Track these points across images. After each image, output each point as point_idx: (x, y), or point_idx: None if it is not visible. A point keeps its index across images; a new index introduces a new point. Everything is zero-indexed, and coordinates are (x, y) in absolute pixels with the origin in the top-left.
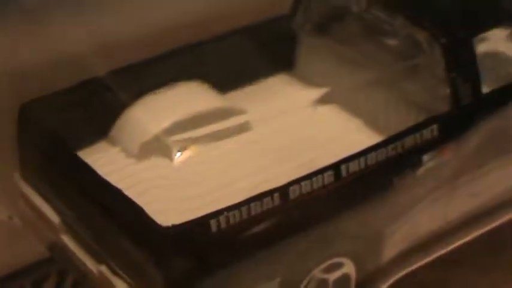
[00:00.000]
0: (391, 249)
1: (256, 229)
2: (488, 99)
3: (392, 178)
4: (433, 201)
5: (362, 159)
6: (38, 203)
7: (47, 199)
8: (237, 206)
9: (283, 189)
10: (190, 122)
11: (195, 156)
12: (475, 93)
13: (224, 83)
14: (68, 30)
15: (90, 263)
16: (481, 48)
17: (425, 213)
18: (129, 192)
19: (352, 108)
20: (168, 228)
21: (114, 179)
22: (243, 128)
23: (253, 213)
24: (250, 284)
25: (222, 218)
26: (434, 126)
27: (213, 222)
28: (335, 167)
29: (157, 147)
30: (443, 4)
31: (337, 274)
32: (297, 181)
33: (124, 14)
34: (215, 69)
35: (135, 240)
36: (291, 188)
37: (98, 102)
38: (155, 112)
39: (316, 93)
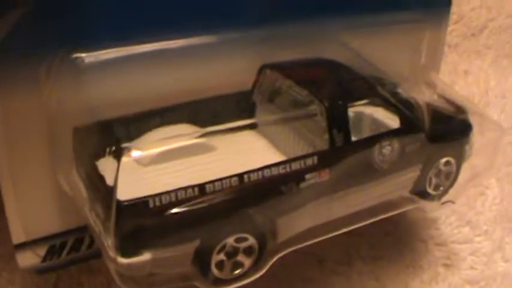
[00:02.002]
0: (284, 234)
1: (182, 209)
2: (355, 144)
3: (282, 187)
4: (317, 205)
5: (261, 172)
6: (80, 186)
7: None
8: (168, 192)
9: (201, 185)
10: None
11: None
12: (346, 140)
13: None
14: None
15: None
16: (354, 110)
17: (312, 213)
18: (121, 182)
19: (276, 142)
20: (122, 201)
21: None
22: (206, 150)
23: (179, 198)
24: (175, 242)
25: (156, 198)
26: (315, 157)
27: (151, 201)
28: (240, 175)
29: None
30: (330, 84)
31: (245, 245)
32: (212, 181)
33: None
34: (206, 121)
35: (107, 208)
36: (207, 185)
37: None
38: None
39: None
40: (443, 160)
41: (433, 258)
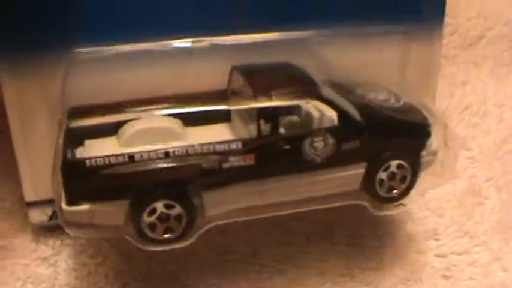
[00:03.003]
0: (212, 208)
1: (112, 171)
2: (282, 135)
3: (204, 164)
4: (248, 187)
5: (186, 149)
6: None
7: None
8: (102, 156)
9: (131, 154)
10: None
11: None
12: (273, 130)
13: (189, 122)
14: None
15: None
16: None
17: (243, 193)
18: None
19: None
20: (67, 159)
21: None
22: (176, 137)
23: (111, 162)
24: (108, 198)
25: (92, 160)
26: (239, 143)
27: (87, 161)
28: (166, 150)
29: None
30: (272, 83)
31: (174, 212)
32: (141, 152)
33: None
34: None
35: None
36: (136, 154)
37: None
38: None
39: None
40: (395, 163)
41: (433, 270)
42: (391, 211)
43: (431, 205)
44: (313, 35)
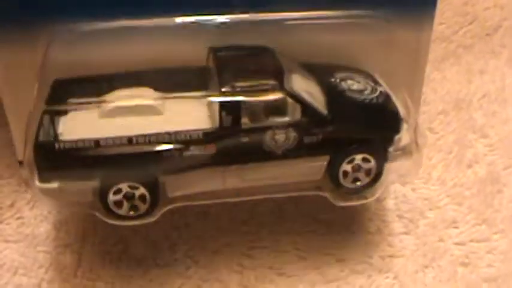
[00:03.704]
0: (174, 190)
1: (80, 154)
2: (242, 127)
3: (165, 153)
4: (210, 173)
5: (148, 137)
6: None
7: None
8: (70, 140)
9: (96, 140)
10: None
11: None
12: (234, 122)
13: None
14: None
15: None
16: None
17: (205, 179)
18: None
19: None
20: (38, 141)
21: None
22: (154, 112)
23: (78, 146)
24: (75, 179)
25: (61, 143)
26: (200, 133)
27: (56, 144)
28: (129, 137)
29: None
30: (239, 70)
31: (138, 192)
32: (106, 138)
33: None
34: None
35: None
36: (101, 140)
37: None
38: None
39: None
40: (360, 156)
41: (452, 257)
42: (353, 202)
43: (450, 193)
44: (298, 16)
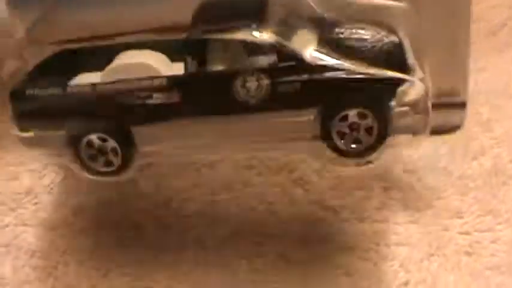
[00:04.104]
0: (144, 143)
1: (48, 100)
2: (209, 73)
3: (128, 100)
4: (177, 124)
5: (111, 85)
6: None
7: None
8: (41, 87)
9: (64, 86)
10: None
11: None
12: (200, 67)
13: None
14: None
15: None
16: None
17: (172, 131)
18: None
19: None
20: (12, 88)
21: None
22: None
23: (49, 93)
24: (46, 128)
25: (31, 90)
26: (164, 79)
27: (27, 91)
28: (93, 84)
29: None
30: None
31: (109, 145)
32: (73, 86)
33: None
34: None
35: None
36: (69, 87)
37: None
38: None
39: None
40: (354, 111)
41: (457, 246)
42: (356, 166)
43: (456, 184)
44: None
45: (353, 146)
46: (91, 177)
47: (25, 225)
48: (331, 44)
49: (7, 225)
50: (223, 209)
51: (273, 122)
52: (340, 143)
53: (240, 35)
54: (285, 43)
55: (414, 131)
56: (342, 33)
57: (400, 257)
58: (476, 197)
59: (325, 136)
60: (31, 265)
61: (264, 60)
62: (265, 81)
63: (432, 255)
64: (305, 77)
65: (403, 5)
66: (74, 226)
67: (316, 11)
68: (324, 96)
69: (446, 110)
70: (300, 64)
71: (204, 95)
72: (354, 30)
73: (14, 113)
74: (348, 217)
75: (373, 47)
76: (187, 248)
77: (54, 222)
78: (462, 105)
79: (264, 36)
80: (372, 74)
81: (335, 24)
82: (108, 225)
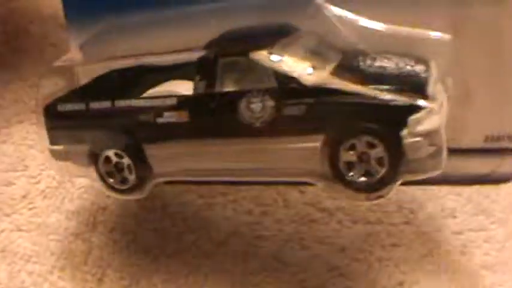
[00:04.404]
0: (157, 165)
1: (73, 117)
2: (216, 93)
3: (141, 117)
4: (186, 144)
5: (128, 101)
6: None
7: None
8: (71, 103)
9: (87, 102)
10: None
11: None
12: (208, 88)
13: None
14: None
15: None
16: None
17: (182, 152)
18: None
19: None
20: (46, 104)
21: None
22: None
23: (75, 108)
24: (72, 142)
25: (62, 105)
26: (174, 99)
27: (59, 106)
28: (112, 99)
29: None
30: (228, 39)
31: (126, 162)
32: (91, 103)
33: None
34: None
35: None
36: (91, 104)
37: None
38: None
39: None
40: (362, 140)
41: (450, 246)
42: (365, 201)
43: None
44: None
45: (362, 178)
46: (109, 193)
47: (20, 230)
48: (347, 70)
49: (3, 231)
50: (219, 212)
51: (277, 147)
52: (348, 175)
53: (248, 56)
54: (288, 66)
55: (427, 167)
56: (364, 61)
57: (394, 258)
58: (469, 197)
59: (332, 166)
60: (27, 270)
61: (270, 82)
62: (270, 103)
63: (426, 255)
64: (310, 100)
65: (444, 37)
66: (69, 231)
67: (352, 43)
68: (330, 122)
69: (498, 156)
70: (305, 87)
71: (210, 115)
72: (377, 59)
73: (46, 126)
74: (342, 218)
75: (392, 75)
76: (184, 252)
77: (49, 227)
78: None
79: (270, 58)
80: (381, 100)
81: (360, 53)
82: (103, 229)
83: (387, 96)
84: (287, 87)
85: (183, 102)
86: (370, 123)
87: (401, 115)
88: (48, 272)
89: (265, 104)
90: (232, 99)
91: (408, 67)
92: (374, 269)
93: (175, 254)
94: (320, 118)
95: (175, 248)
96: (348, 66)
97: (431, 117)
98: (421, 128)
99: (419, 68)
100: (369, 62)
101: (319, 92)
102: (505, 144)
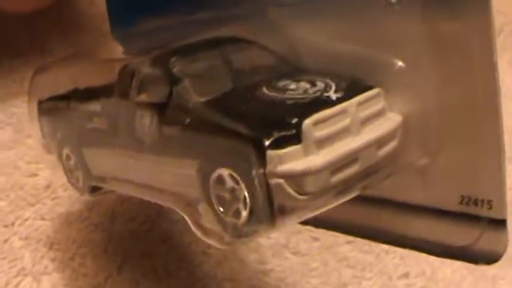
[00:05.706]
0: (94, 168)
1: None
2: (121, 103)
3: (75, 122)
4: (108, 153)
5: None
6: None
7: None
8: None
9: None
10: None
11: None
12: (122, 95)
13: None
14: None
15: None
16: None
17: (108, 160)
18: None
19: None
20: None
21: None
22: None
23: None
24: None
25: (63, 101)
26: (98, 106)
27: (49, 102)
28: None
29: None
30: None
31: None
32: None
33: None
34: None
35: None
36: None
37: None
38: None
39: None
40: (226, 172)
41: None
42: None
43: None
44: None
45: (231, 218)
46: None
47: (44, 219)
48: (237, 90)
49: (27, 219)
50: None
51: (159, 168)
52: (220, 212)
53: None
54: (179, 79)
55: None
56: (264, 82)
57: (400, 250)
58: None
59: (208, 200)
60: (49, 257)
61: (158, 96)
62: (155, 119)
63: None
64: (187, 121)
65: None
66: (90, 220)
67: (291, 62)
68: (201, 147)
69: (472, 225)
70: (187, 107)
71: (117, 126)
72: (288, 82)
73: (38, 120)
74: None
75: (280, 101)
76: (198, 242)
77: (71, 216)
78: (496, 223)
79: (158, 70)
80: (234, 129)
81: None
82: (122, 219)
83: (241, 126)
84: (176, 103)
85: (104, 109)
86: (230, 154)
87: (259, 148)
88: (70, 259)
89: (152, 120)
90: (131, 111)
91: (319, 93)
92: (381, 260)
93: (190, 243)
94: (194, 142)
95: (189, 238)
96: (239, 93)
97: (301, 157)
98: (283, 168)
99: (336, 95)
100: (282, 83)
101: (200, 114)
102: (481, 212)
